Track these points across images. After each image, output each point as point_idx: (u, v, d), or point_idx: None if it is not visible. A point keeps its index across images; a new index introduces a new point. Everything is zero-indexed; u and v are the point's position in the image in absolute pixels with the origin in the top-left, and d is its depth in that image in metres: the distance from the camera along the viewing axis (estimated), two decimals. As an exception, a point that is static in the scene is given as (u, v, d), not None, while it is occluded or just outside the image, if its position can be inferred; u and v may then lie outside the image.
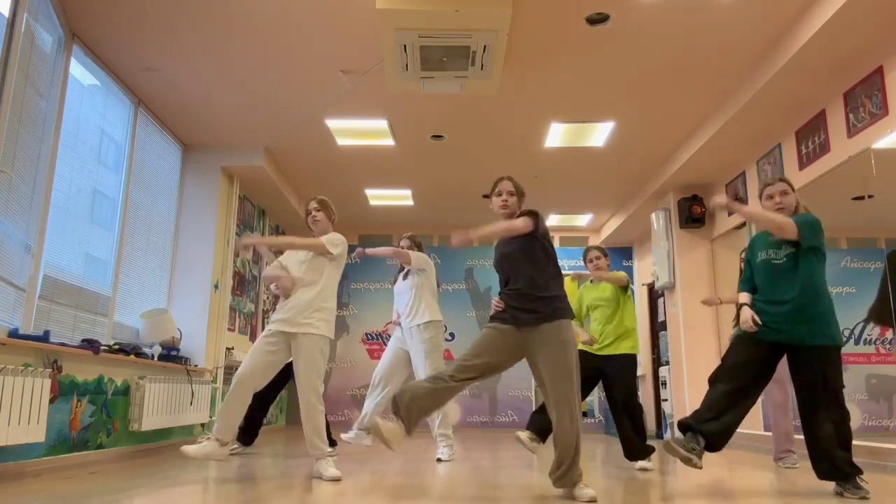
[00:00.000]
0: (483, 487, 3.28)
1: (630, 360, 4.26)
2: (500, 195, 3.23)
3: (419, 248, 4.94)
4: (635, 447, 4.16)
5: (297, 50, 4.66)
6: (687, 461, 3.00)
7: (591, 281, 4.51)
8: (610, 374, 4.23)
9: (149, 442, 4.96)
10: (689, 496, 3.07)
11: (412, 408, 2.92)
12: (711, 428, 3.05)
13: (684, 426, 3.11)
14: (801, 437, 3.19)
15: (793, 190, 3.30)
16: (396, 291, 4.97)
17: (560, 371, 2.92)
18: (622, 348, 4.25)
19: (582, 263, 4.65)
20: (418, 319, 4.72)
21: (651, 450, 4.12)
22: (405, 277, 4.89)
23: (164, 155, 5.94)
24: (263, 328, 7.65)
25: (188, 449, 3.39)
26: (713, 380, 3.21)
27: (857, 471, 3.03)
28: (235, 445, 4.88)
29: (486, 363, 3.00)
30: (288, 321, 3.59)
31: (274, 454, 4.96)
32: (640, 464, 4.14)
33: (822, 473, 3.10)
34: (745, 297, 3.32)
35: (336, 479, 3.50)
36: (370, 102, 5.46)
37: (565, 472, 2.92)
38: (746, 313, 3.22)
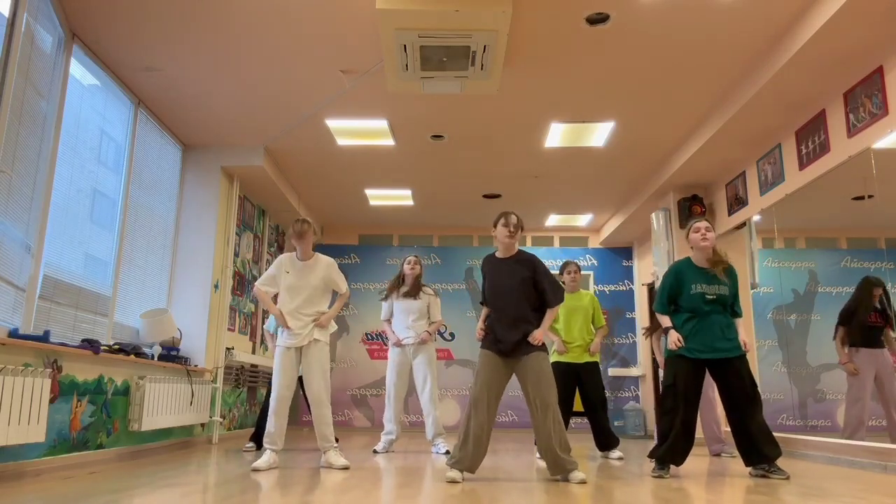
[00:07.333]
0: (485, 476, 3.29)
1: (597, 366, 5.06)
2: (507, 226, 3.71)
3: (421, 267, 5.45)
4: (609, 438, 4.93)
5: (297, 50, 4.66)
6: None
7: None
8: (585, 378, 4.97)
9: (149, 442, 4.97)
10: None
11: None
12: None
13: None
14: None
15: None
16: (401, 310, 5.35)
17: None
18: (592, 356, 5.04)
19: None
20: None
21: (618, 440, 4.96)
22: (415, 297, 5.33)
23: (164, 155, 5.94)
24: (263, 328, 7.66)
25: (257, 464, 3.89)
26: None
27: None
28: (250, 444, 5.36)
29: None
30: (301, 337, 4.11)
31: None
32: (618, 453, 4.88)
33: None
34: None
35: (345, 468, 3.94)
36: (370, 102, 5.46)
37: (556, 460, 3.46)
38: None
